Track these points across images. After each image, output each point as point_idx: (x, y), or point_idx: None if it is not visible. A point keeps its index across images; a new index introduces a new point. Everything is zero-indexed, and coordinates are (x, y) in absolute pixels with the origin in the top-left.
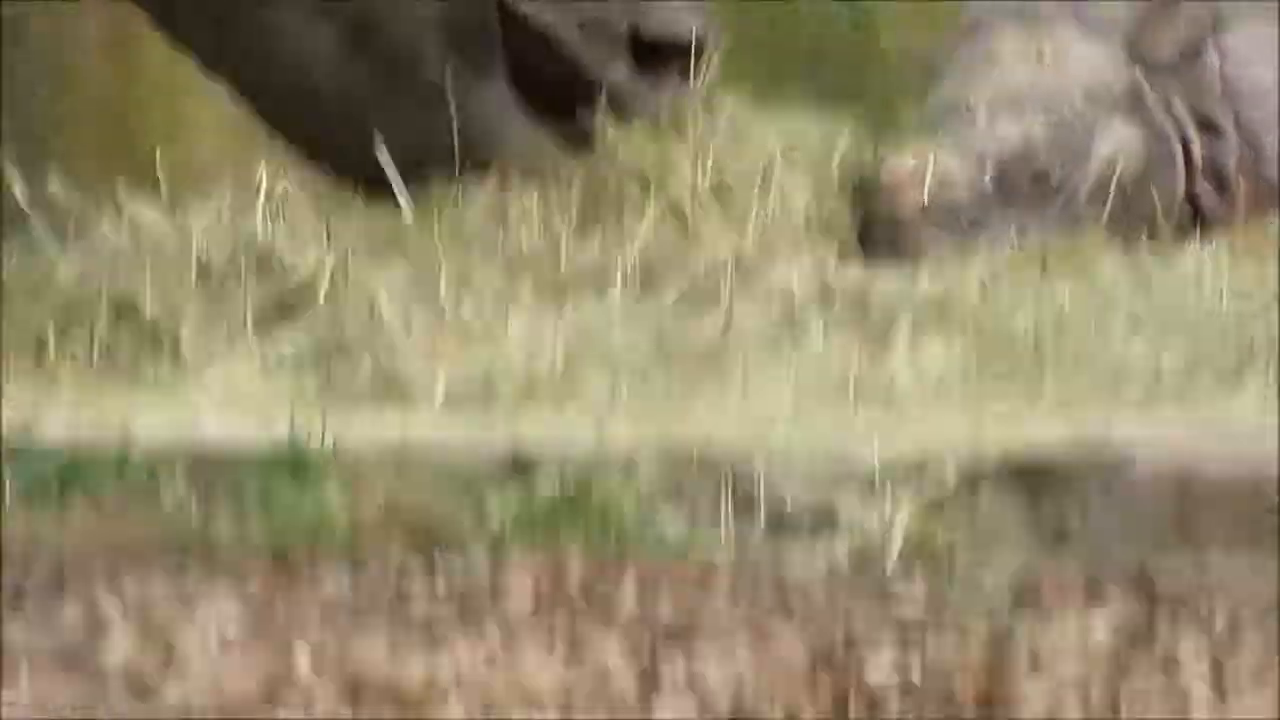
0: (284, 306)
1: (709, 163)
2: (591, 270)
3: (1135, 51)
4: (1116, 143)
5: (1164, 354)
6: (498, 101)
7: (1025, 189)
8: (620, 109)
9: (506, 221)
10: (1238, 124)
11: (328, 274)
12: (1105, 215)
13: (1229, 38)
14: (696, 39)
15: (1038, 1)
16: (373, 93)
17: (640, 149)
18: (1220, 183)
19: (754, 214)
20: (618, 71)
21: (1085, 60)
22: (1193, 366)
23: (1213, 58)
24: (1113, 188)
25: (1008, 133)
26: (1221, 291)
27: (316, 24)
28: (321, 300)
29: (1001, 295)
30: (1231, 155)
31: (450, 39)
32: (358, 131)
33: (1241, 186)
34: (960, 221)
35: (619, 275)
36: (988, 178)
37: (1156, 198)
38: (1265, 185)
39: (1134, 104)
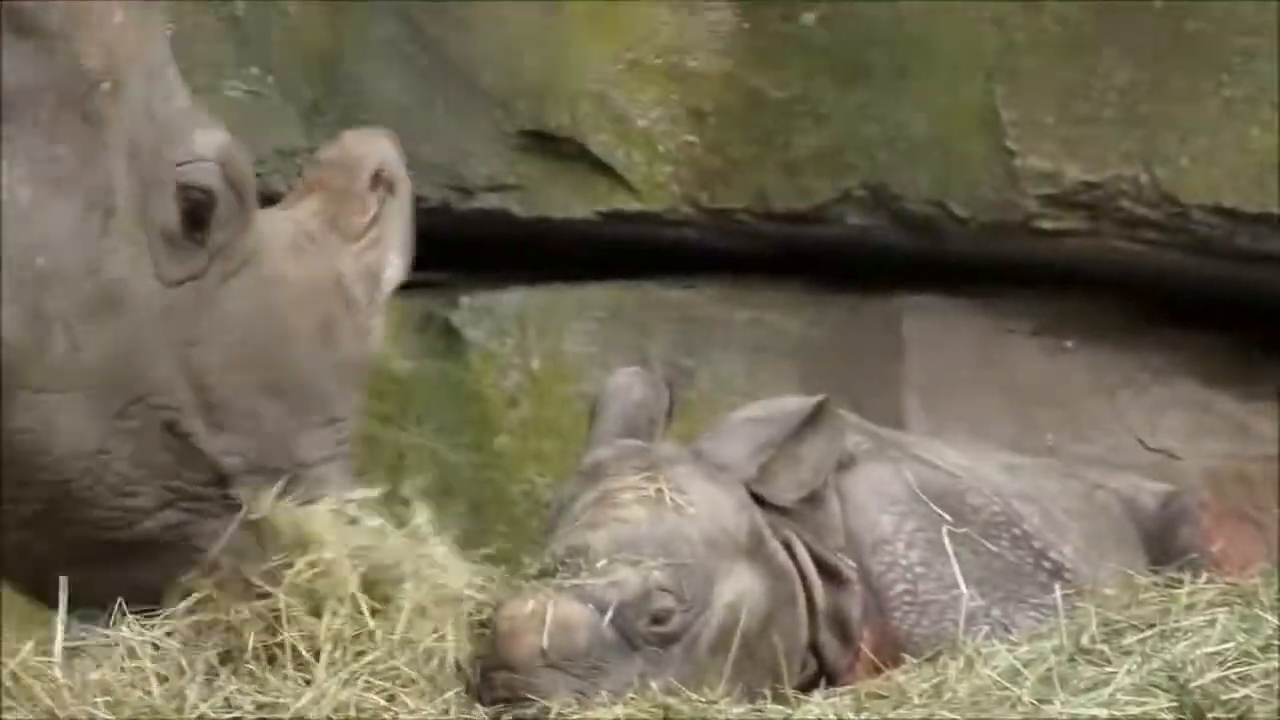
0: None
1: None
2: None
3: (757, 494)
4: (738, 589)
5: None
6: None
7: (646, 634)
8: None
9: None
10: (861, 572)
11: None
12: (729, 664)
13: (850, 481)
14: None
15: (658, 444)
16: None
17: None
18: (844, 632)
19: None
20: None
21: (706, 503)
22: None
23: (834, 502)
24: (736, 636)
25: (626, 577)
26: None
27: None
28: None
29: None
30: (855, 604)
31: None
32: None
33: (866, 637)
34: (580, 667)
35: None
36: (607, 622)
37: (779, 646)
38: (890, 635)
39: (756, 549)
